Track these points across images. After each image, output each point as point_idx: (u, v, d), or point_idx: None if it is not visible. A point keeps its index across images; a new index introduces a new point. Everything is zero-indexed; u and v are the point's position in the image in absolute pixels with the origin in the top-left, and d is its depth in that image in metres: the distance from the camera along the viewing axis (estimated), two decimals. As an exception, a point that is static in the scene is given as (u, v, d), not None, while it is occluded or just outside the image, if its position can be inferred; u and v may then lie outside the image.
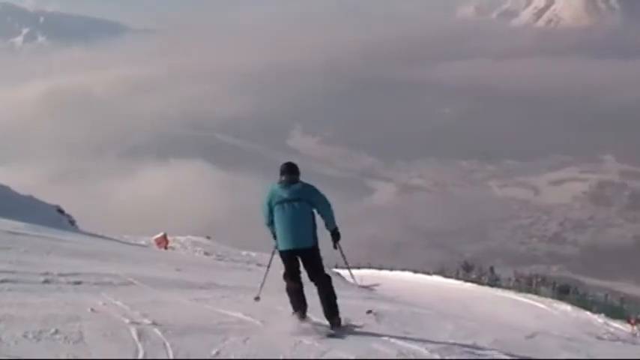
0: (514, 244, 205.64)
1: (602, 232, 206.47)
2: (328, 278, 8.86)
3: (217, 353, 6.45)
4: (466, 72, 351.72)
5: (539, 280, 48.97)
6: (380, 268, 59.94)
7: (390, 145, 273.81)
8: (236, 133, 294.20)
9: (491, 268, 56.14)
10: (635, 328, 28.09)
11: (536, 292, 42.43)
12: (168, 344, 6.49)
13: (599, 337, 22.01)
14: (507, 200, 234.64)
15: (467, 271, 52.95)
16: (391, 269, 59.36)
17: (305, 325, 8.39)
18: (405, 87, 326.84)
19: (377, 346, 7.98)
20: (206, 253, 26.33)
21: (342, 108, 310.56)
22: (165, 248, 26.39)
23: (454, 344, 9.21)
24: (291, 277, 8.79)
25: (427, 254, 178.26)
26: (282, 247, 8.52)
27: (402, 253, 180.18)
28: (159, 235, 27.46)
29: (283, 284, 8.91)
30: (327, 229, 8.90)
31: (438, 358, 7.89)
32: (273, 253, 8.97)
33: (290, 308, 8.80)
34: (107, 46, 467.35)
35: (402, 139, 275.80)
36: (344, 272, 42.63)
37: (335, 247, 9.36)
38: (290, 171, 8.75)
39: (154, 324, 7.40)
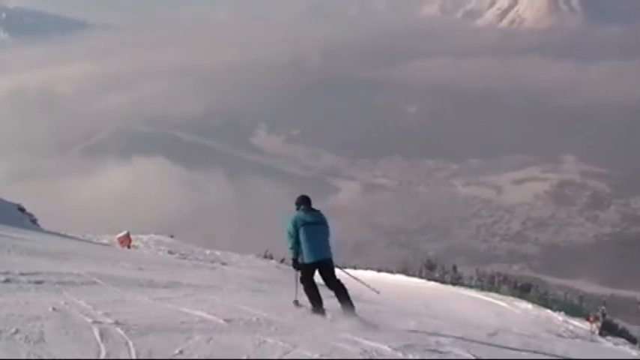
0: (477, 242, 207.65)
1: (562, 231, 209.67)
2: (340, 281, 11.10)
3: (180, 352, 6.42)
4: (430, 71, 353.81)
5: (501, 278, 49.34)
6: (343, 267, 59.97)
7: (355, 144, 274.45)
8: (199, 131, 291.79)
9: (454, 267, 56.34)
10: (593, 325, 28.52)
11: (498, 291, 42.79)
12: (130, 343, 6.44)
13: (559, 335, 22.31)
14: (470, 199, 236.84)
15: (430, 270, 53.11)
16: (354, 268, 59.38)
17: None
18: (370, 86, 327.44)
19: (341, 345, 8.02)
20: (170, 252, 26.09)
21: (307, 107, 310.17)
22: (128, 247, 26.05)
23: (417, 342, 9.31)
24: (312, 281, 10.96)
25: (390, 253, 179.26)
26: (310, 260, 10.81)
27: (366, 252, 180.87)
28: (121, 234, 27.07)
29: (248, 286, 9.39)
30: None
31: (401, 356, 7.97)
32: (296, 267, 11.24)
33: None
34: (69, 43, 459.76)
35: (366, 138, 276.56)
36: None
37: None
38: (309, 201, 11.64)
39: (117, 323, 7.34)
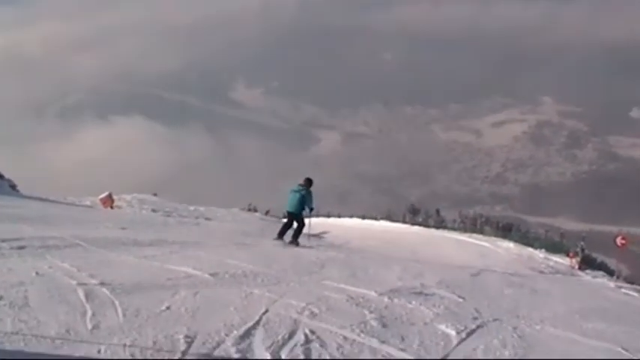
0: (458, 186, 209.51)
1: (542, 171, 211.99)
2: (301, 225, 16.88)
3: (167, 308, 6.45)
4: (405, 16, 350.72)
5: (483, 220, 50.06)
6: (328, 216, 60.25)
7: (334, 94, 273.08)
8: (176, 87, 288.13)
9: (437, 211, 56.89)
10: (573, 261, 29.05)
11: (481, 232, 43.39)
12: (117, 303, 6.45)
13: (540, 272, 22.71)
14: (450, 143, 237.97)
15: (413, 215, 53.64)
16: (339, 216, 59.72)
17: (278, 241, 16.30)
18: (345, 34, 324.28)
19: (327, 293, 8.11)
20: (153, 210, 26.04)
21: (284, 58, 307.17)
22: (111, 208, 25.95)
23: (402, 286, 9.43)
24: (287, 223, 17.06)
25: (374, 200, 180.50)
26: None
27: (349, 200, 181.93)
28: (104, 195, 26.91)
29: (233, 240, 9.38)
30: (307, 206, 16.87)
31: (387, 300, 8.08)
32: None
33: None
34: (36, 2, 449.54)
35: (345, 88, 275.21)
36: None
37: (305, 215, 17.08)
38: (307, 180, 17.16)
39: (102, 284, 7.33)
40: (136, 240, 12.55)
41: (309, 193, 16.69)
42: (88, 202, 26.47)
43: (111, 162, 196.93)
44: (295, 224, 16.80)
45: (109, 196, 26.84)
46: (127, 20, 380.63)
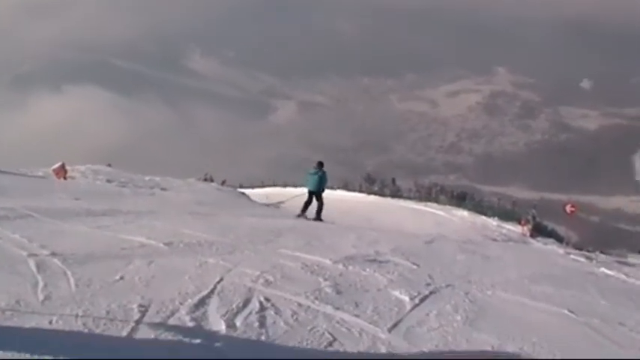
0: (414, 155, 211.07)
1: (495, 141, 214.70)
2: (322, 202, 19.05)
3: (121, 278, 6.41)
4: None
5: (438, 189, 50.61)
6: (285, 186, 60.22)
7: (291, 64, 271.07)
8: (132, 56, 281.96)
9: (393, 180, 57.17)
10: (525, 228, 29.66)
11: (436, 201, 43.87)
12: (69, 273, 6.39)
13: (493, 239, 23.16)
14: (406, 113, 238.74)
15: (369, 184, 53.85)
16: (295, 186, 59.74)
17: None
18: (302, 3, 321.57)
19: (282, 261, 8.15)
20: (108, 181, 25.62)
21: (241, 28, 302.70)
22: (65, 178, 25.44)
23: (357, 254, 9.53)
24: (308, 201, 19.35)
25: (330, 169, 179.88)
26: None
27: (306, 170, 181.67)
28: (56, 166, 26.31)
29: (189, 209, 9.31)
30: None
31: (342, 267, 8.16)
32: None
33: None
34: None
35: (302, 57, 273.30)
36: (249, 191, 42.84)
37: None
38: (319, 164, 19.75)
39: (54, 254, 7.24)
40: (89, 210, 12.40)
41: (325, 174, 19.30)
42: (40, 173, 25.94)
43: (64, 132, 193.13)
44: (316, 202, 18.97)
45: (62, 166, 26.30)
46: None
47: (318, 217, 18.52)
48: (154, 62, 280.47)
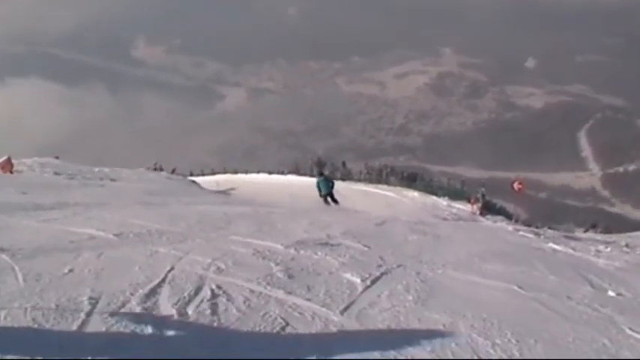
0: (364, 138, 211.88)
1: (444, 121, 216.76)
2: (334, 197, 25.17)
3: (70, 271, 6.33)
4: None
5: (389, 170, 50.97)
6: (235, 172, 59.98)
7: (237, 50, 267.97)
8: (74, 46, 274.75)
9: (343, 163, 57.38)
10: (474, 207, 30.18)
11: (387, 182, 44.31)
12: (17, 268, 6.28)
13: (444, 218, 23.50)
14: (355, 96, 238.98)
15: (320, 168, 54.04)
16: (246, 172, 59.57)
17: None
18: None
19: (234, 248, 8.14)
20: (56, 173, 25.15)
21: (185, 15, 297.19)
22: (11, 172, 24.88)
23: (308, 238, 9.58)
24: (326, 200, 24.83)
25: (280, 155, 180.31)
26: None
27: (256, 156, 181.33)
28: (2, 159, 25.72)
29: (138, 199, 9.09)
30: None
31: (293, 252, 8.20)
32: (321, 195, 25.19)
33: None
34: None
35: (248, 43, 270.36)
36: (200, 179, 42.56)
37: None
38: (321, 173, 27.78)
39: (1, 250, 7.12)
40: (37, 204, 12.17)
41: (332, 179, 26.26)
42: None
43: (8, 125, 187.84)
44: (330, 199, 25.09)
45: (8, 160, 25.70)
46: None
47: (336, 202, 25.37)
48: (98, 52, 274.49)
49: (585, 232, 28.17)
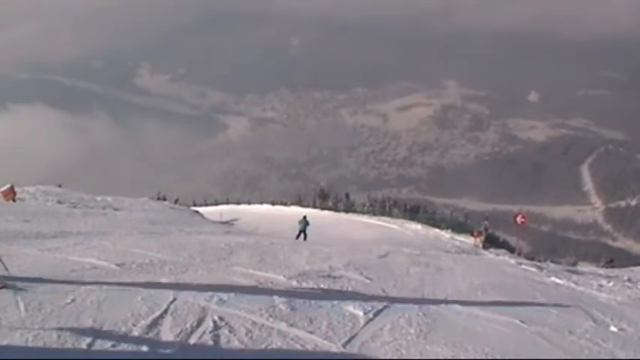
0: (366, 169, 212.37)
1: (446, 154, 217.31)
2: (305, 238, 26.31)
3: (72, 301, 6.31)
4: (312, 2, 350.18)
5: (392, 202, 50.98)
6: (238, 203, 60.10)
7: (241, 80, 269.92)
8: (79, 74, 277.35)
9: (347, 195, 57.56)
10: (477, 240, 30.15)
11: (389, 214, 44.30)
12: (18, 297, 6.27)
13: (446, 251, 23.48)
14: (358, 128, 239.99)
15: (323, 200, 54.04)
16: (249, 203, 59.68)
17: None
18: (251, 20, 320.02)
19: (236, 279, 8.14)
20: (59, 202, 25.18)
21: (189, 44, 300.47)
22: (14, 200, 24.92)
23: (310, 270, 9.56)
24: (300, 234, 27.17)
25: (283, 185, 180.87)
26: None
27: (259, 186, 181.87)
28: (5, 187, 25.72)
29: (141, 229, 9.05)
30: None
31: (295, 284, 8.18)
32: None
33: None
34: None
35: (252, 73, 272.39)
36: (203, 209, 42.58)
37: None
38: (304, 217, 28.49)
39: (3, 278, 7.11)
40: (38, 232, 12.19)
41: (308, 222, 27.77)
42: (-13, 195, 25.35)
43: (12, 152, 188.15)
44: (303, 235, 27.15)
45: (11, 188, 25.73)
46: (29, 5, 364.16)
47: (305, 238, 26.72)
48: (103, 80, 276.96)
49: (604, 266, 27.80)
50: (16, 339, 5.02)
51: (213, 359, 4.94)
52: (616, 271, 16.97)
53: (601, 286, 11.62)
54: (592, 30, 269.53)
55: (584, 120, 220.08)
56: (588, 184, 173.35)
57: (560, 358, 5.85)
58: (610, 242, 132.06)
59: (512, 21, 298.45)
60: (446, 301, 8.01)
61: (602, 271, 18.04)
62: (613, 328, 7.25)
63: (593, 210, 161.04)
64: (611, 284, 12.06)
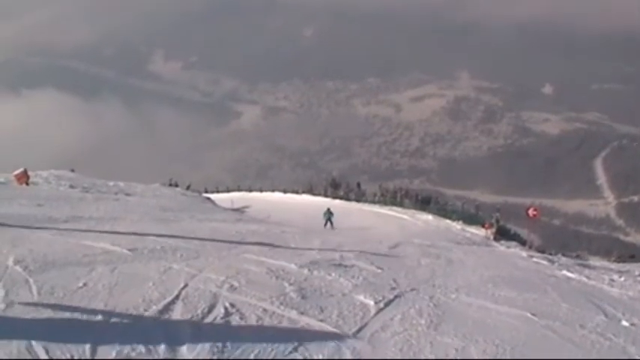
0: (378, 160, 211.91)
1: (459, 145, 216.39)
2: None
3: (84, 285, 6.34)
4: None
5: (403, 193, 50.84)
6: (250, 190, 60.18)
7: (254, 68, 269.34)
8: (93, 60, 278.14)
9: (358, 184, 57.50)
10: (488, 232, 30.04)
11: (401, 205, 44.19)
12: (31, 281, 6.31)
13: (457, 242, 23.37)
14: (371, 118, 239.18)
15: (334, 189, 54.01)
16: (261, 190, 59.75)
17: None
18: (265, 8, 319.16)
19: (247, 266, 8.14)
20: (71, 186, 25.28)
21: (203, 32, 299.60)
22: (27, 184, 25.03)
23: (321, 258, 9.54)
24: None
25: (295, 174, 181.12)
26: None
27: (271, 175, 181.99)
28: (18, 171, 25.81)
29: (153, 215, 9.08)
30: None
31: (307, 272, 8.18)
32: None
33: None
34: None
35: (265, 62, 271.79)
36: (215, 196, 42.65)
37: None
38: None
39: (16, 261, 7.15)
40: (51, 216, 12.25)
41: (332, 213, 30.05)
42: (1, 179, 25.50)
43: (25, 137, 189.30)
44: (330, 224, 29.50)
45: (25, 172, 25.86)
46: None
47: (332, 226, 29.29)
48: (117, 66, 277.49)
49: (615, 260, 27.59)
50: (28, 322, 5.05)
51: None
52: (628, 266, 16.88)
53: (612, 280, 11.55)
54: (608, 24, 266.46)
55: (599, 114, 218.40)
56: (601, 178, 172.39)
57: (571, 352, 5.82)
58: (622, 237, 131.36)
59: (527, 13, 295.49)
60: (457, 293, 7.98)
61: (613, 265, 17.96)
62: (625, 323, 7.20)
63: (605, 204, 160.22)
64: (622, 279, 11.99)
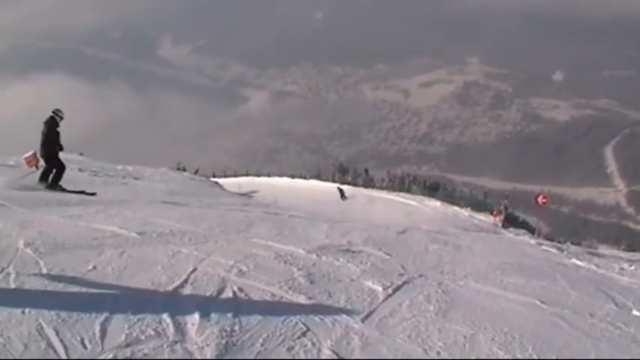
0: (386, 145, 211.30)
1: (467, 131, 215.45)
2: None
3: (93, 268, 6.38)
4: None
5: (411, 179, 50.81)
6: (258, 175, 60.22)
7: (262, 53, 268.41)
8: (101, 44, 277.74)
9: (366, 170, 57.44)
10: (497, 219, 30.03)
11: (409, 191, 44.21)
12: (41, 263, 6.34)
13: (465, 229, 23.38)
14: (379, 103, 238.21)
15: (342, 174, 54.01)
16: (269, 175, 59.80)
17: None
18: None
19: (255, 251, 8.14)
20: (80, 170, 25.36)
21: (211, 16, 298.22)
22: (37, 167, 25.07)
23: (329, 244, 9.54)
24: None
25: (303, 159, 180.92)
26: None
27: (278, 159, 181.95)
28: (28, 154, 25.80)
29: (161, 199, 9.16)
30: None
31: (315, 257, 8.18)
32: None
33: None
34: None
35: (273, 46, 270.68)
36: (222, 181, 42.73)
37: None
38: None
39: (26, 244, 7.19)
40: (60, 200, 12.30)
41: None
42: (11, 162, 25.57)
43: (34, 120, 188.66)
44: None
45: (34, 155, 25.89)
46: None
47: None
48: (124, 50, 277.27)
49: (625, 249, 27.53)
50: (40, 303, 5.08)
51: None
52: (638, 255, 16.81)
53: (622, 269, 11.50)
54: (619, 9, 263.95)
55: (609, 100, 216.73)
56: (612, 165, 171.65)
57: (580, 340, 5.80)
58: (632, 225, 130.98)
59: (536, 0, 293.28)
60: (465, 279, 7.97)
61: (623, 254, 17.90)
62: (635, 312, 7.18)
63: (615, 192, 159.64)
64: (632, 268, 11.95)
